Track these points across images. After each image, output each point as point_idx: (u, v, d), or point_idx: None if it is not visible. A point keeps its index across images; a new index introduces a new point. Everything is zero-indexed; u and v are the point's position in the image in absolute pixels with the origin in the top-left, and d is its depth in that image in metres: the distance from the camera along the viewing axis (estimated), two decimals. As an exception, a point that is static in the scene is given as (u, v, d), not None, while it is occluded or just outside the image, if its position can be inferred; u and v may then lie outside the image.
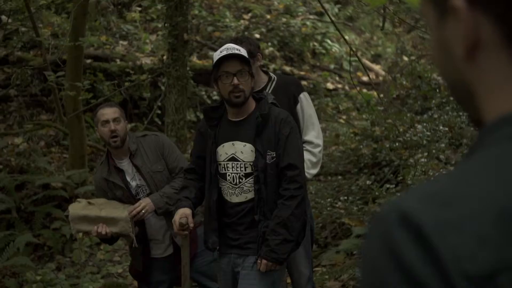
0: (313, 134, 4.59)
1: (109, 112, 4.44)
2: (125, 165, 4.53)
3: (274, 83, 4.63)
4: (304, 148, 4.47)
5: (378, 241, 0.74)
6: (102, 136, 4.51)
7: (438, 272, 0.69)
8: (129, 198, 4.49)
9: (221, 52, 3.80)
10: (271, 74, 4.72)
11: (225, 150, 3.90)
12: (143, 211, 4.34)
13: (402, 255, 0.71)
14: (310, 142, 4.55)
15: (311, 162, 4.49)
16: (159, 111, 9.99)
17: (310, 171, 4.47)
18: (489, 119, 0.81)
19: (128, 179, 4.52)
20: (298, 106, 4.57)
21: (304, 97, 4.61)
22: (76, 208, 4.45)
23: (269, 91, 4.52)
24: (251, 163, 3.82)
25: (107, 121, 4.40)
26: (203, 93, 10.86)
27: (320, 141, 4.62)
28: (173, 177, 4.52)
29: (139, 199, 4.47)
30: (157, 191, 4.46)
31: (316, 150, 4.55)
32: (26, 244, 7.08)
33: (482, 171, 0.75)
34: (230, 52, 3.75)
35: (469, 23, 0.80)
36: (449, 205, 0.72)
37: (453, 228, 0.70)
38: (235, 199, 3.89)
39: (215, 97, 10.82)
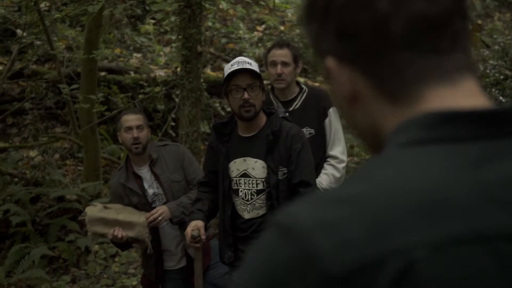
0: (339, 149, 4.59)
1: (132, 119, 4.47)
2: (144, 172, 4.53)
3: (304, 94, 4.65)
4: (328, 163, 4.48)
5: (266, 240, 0.80)
6: (124, 142, 4.52)
7: (300, 274, 0.74)
8: (145, 205, 4.49)
9: (232, 65, 3.79)
10: (303, 86, 4.75)
11: (237, 166, 3.89)
12: (160, 217, 4.34)
13: (269, 254, 0.78)
14: (335, 157, 4.56)
15: (334, 177, 4.49)
16: (173, 123, 10.00)
17: (333, 186, 4.45)
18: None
19: (146, 186, 4.53)
20: (327, 120, 4.58)
21: (333, 111, 4.61)
22: (93, 211, 4.45)
23: (299, 103, 4.55)
24: (263, 180, 3.80)
25: (130, 128, 4.42)
26: (217, 104, 10.86)
27: (345, 157, 4.62)
28: (190, 189, 4.52)
29: (155, 207, 4.47)
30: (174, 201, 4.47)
31: (341, 166, 4.55)
32: (41, 256, 7.10)
33: (367, 176, 0.82)
34: (241, 66, 3.74)
35: (342, 80, 0.91)
36: (330, 207, 0.77)
37: (324, 229, 0.75)
38: (247, 216, 3.88)
39: (229, 109, 10.80)
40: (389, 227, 0.74)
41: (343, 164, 4.58)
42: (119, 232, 4.32)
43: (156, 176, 4.50)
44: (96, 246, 7.57)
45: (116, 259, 7.55)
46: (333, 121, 4.60)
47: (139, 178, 4.52)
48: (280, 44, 4.70)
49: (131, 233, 4.35)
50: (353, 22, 0.88)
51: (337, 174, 4.52)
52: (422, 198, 0.76)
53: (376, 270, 0.72)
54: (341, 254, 0.73)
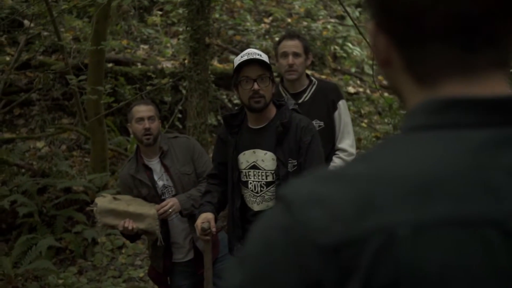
0: (348, 142, 4.58)
1: (144, 110, 4.45)
2: (154, 164, 4.52)
3: (314, 87, 4.64)
4: (337, 156, 4.47)
5: (268, 212, 0.87)
6: (135, 133, 4.51)
7: (293, 241, 0.80)
8: (154, 197, 4.48)
9: (241, 57, 3.77)
10: (312, 78, 4.73)
11: (246, 158, 3.87)
12: (170, 210, 4.33)
13: (271, 224, 0.84)
14: (344, 150, 4.55)
15: None
16: (180, 115, 9.99)
17: None
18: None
19: (156, 178, 4.51)
20: (336, 113, 4.56)
21: (342, 104, 4.61)
22: (104, 202, 4.43)
23: (309, 95, 4.53)
24: (273, 172, 3.78)
25: (141, 119, 4.41)
26: (224, 96, 10.85)
27: (353, 150, 4.61)
28: (200, 181, 4.51)
29: (164, 199, 4.46)
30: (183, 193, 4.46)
31: (349, 158, 4.53)
32: (48, 247, 7.10)
33: (369, 157, 0.87)
34: (251, 57, 3.73)
35: (379, 44, 0.95)
36: (328, 183, 0.83)
37: (318, 203, 0.80)
38: (256, 208, 3.86)
39: (236, 101, 10.80)
40: (378, 205, 0.78)
41: (352, 157, 4.55)
42: (130, 224, 4.30)
43: (166, 168, 4.48)
44: (103, 238, 7.58)
45: (123, 251, 7.56)
46: (343, 114, 4.59)
47: (149, 170, 4.51)
48: (291, 35, 4.68)
49: (141, 225, 4.34)
50: (394, 3, 0.90)
51: None
52: (414, 180, 0.79)
53: (360, 245, 0.76)
54: (330, 227, 0.78)
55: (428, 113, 0.87)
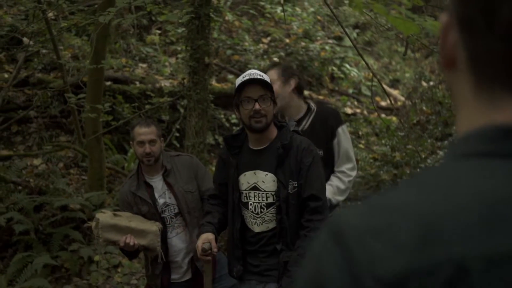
0: (347, 166, 4.56)
1: (145, 132, 4.45)
2: (156, 181, 4.52)
3: (313, 114, 4.60)
4: (334, 175, 4.46)
5: (316, 247, 0.81)
6: (136, 154, 4.52)
7: (351, 275, 0.74)
8: (154, 215, 4.47)
9: (243, 77, 3.77)
10: (311, 105, 4.67)
11: (247, 179, 3.86)
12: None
13: (323, 260, 0.78)
14: (342, 172, 4.54)
15: (338, 188, 4.47)
16: (177, 134, 10.00)
17: (336, 197, 4.45)
18: (457, 134, 0.89)
19: (156, 196, 4.51)
20: (335, 141, 4.54)
21: (342, 131, 4.57)
22: (106, 217, 4.39)
23: (308, 123, 4.51)
24: (273, 193, 3.77)
25: (142, 142, 4.41)
26: (222, 116, 10.87)
27: (352, 173, 4.59)
28: (203, 200, 4.50)
29: (164, 217, 4.46)
30: (187, 211, 4.45)
31: (347, 179, 4.54)
32: (44, 265, 7.06)
33: (422, 184, 0.81)
34: (252, 77, 3.73)
35: (447, 39, 0.88)
36: (379, 213, 0.78)
37: (374, 234, 0.75)
38: (256, 229, 3.85)
39: (234, 121, 10.81)
40: (442, 236, 0.74)
41: (350, 178, 4.57)
42: (131, 240, 4.28)
43: (170, 186, 4.48)
44: (99, 256, 7.54)
45: (119, 270, 7.52)
46: (342, 141, 4.56)
47: (150, 187, 4.51)
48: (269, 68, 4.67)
49: (142, 241, 4.32)
50: None
51: (342, 186, 4.51)
52: (478, 210, 0.75)
53: (427, 277, 0.72)
54: (392, 258, 0.73)
55: (485, 140, 0.82)
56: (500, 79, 0.83)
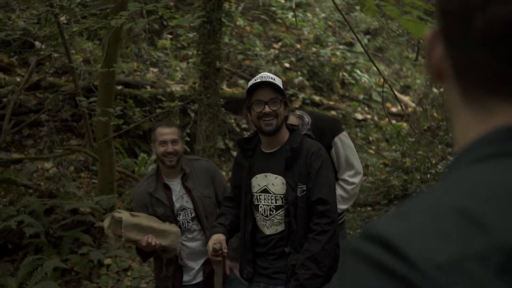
0: (349, 173, 4.55)
1: (167, 133, 4.46)
2: (174, 184, 4.53)
3: (307, 127, 4.54)
4: (337, 183, 4.44)
5: (359, 263, 0.79)
6: (157, 154, 4.52)
7: (413, 270, 0.73)
8: (169, 217, 4.47)
9: (255, 80, 3.78)
10: (306, 119, 4.56)
11: (258, 181, 3.87)
12: None
13: (383, 265, 0.75)
14: (345, 180, 4.53)
15: (342, 197, 4.48)
16: (188, 138, 10.01)
17: (340, 206, 4.43)
18: (460, 144, 0.89)
19: (174, 198, 4.51)
20: (332, 151, 4.52)
21: (338, 140, 4.54)
22: (127, 216, 4.35)
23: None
24: (282, 196, 3.78)
25: (165, 142, 4.43)
26: (232, 121, 10.88)
27: (355, 179, 4.57)
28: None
29: (179, 220, 4.48)
30: (204, 215, 4.46)
31: (349, 187, 4.53)
32: (54, 269, 7.07)
33: (447, 186, 0.82)
34: (264, 80, 3.74)
35: (433, 52, 0.90)
36: (408, 218, 0.78)
37: (416, 234, 0.75)
38: (267, 231, 3.86)
39: (244, 125, 10.82)
40: (484, 224, 0.74)
41: (352, 186, 4.55)
42: (153, 240, 4.28)
43: (188, 190, 4.49)
44: (109, 260, 7.55)
45: (129, 273, 7.53)
46: (340, 149, 4.54)
47: (168, 190, 4.51)
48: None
49: (164, 242, 4.32)
50: (447, 2, 0.85)
51: (345, 195, 4.51)
52: (508, 199, 0.76)
53: (479, 263, 0.72)
54: (443, 249, 0.74)
55: (496, 142, 0.82)
56: (485, 85, 0.84)
